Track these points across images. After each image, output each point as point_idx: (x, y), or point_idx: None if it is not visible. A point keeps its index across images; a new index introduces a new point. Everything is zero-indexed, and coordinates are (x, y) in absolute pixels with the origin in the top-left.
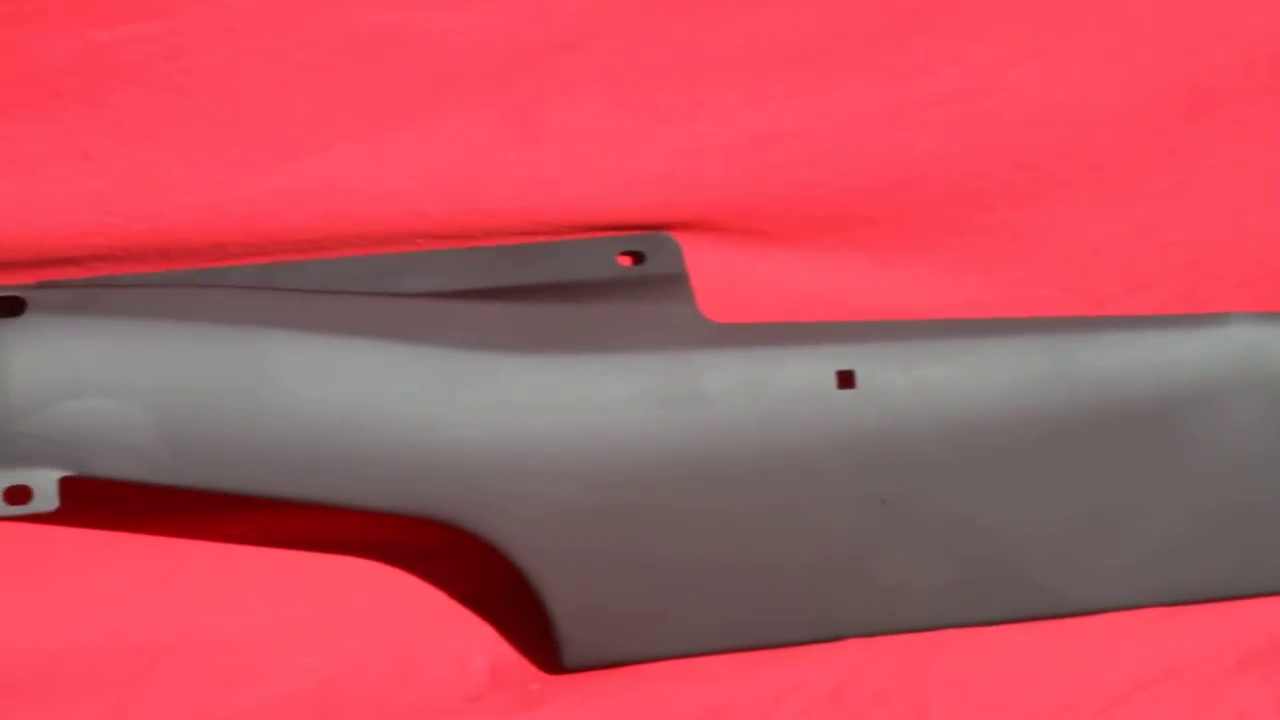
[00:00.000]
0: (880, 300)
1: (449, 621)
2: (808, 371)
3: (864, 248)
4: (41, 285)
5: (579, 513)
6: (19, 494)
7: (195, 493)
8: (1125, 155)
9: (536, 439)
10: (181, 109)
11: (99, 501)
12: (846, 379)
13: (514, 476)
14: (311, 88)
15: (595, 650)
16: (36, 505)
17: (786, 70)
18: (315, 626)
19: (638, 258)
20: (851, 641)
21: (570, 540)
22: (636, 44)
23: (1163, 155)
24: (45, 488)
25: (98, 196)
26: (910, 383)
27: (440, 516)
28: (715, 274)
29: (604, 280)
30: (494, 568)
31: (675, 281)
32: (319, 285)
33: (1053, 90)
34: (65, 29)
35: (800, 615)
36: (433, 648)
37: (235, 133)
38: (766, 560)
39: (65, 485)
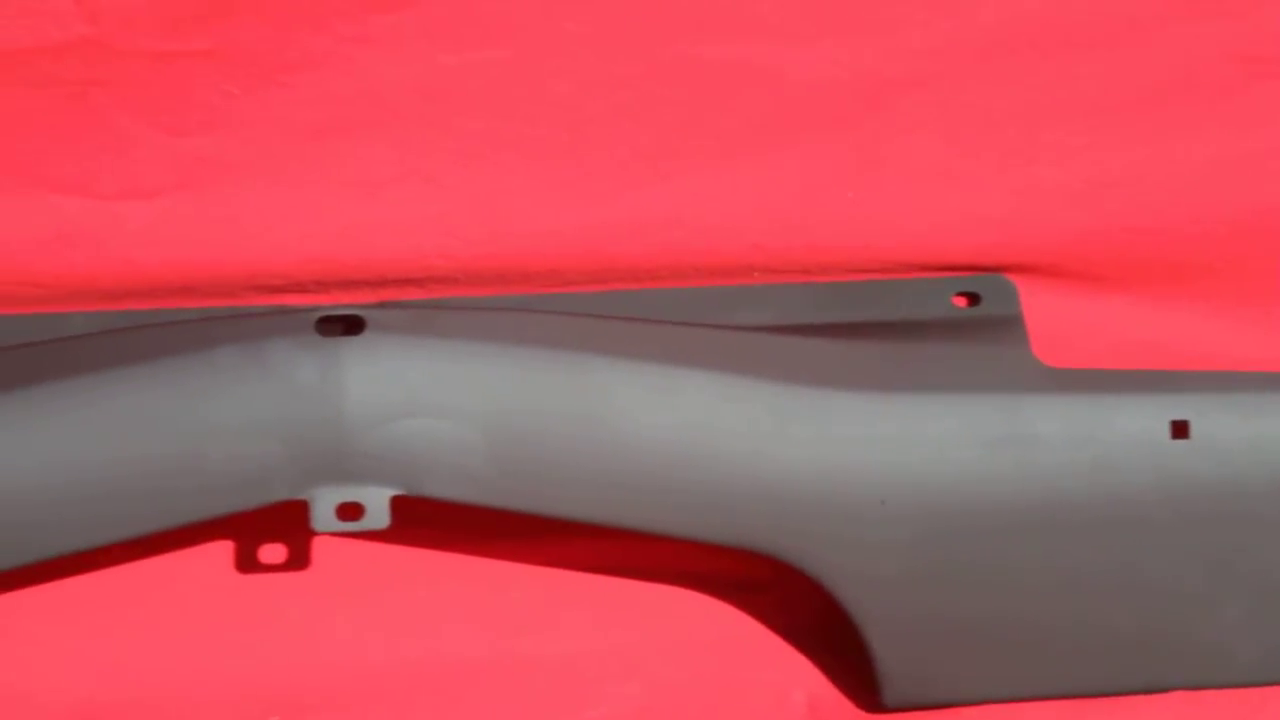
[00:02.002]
0: (1216, 350)
1: (769, 655)
2: (1141, 420)
3: (1201, 296)
4: (381, 305)
5: (903, 551)
6: (351, 511)
7: (522, 516)
8: None
9: (864, 476)
10: (525, 135)
11: (427, 521)
12: (1181, 429)
13: (840, 513)
14: (656, 118)
15: (915, 690)
16: (368, 523)
17: (1128, 116)
18: (637, 654)
19: (973, 299)
20: (1176, 694)
21: (893, 578)
22: (979, 85)
23: None
24: (377, 505)
25: (440, 219)
26: (1247, 435)
27: (765, 550)
28: (1049, 317)
29: (938, 320)
30: (816, 603)
31: (1010, 324)
32: (654, 314)
33: None
34: (414, 53)
35: (1124, 665)
36: (752, 681)
37: (578, 161)
38: (1092, 607)
39: (396, 503)
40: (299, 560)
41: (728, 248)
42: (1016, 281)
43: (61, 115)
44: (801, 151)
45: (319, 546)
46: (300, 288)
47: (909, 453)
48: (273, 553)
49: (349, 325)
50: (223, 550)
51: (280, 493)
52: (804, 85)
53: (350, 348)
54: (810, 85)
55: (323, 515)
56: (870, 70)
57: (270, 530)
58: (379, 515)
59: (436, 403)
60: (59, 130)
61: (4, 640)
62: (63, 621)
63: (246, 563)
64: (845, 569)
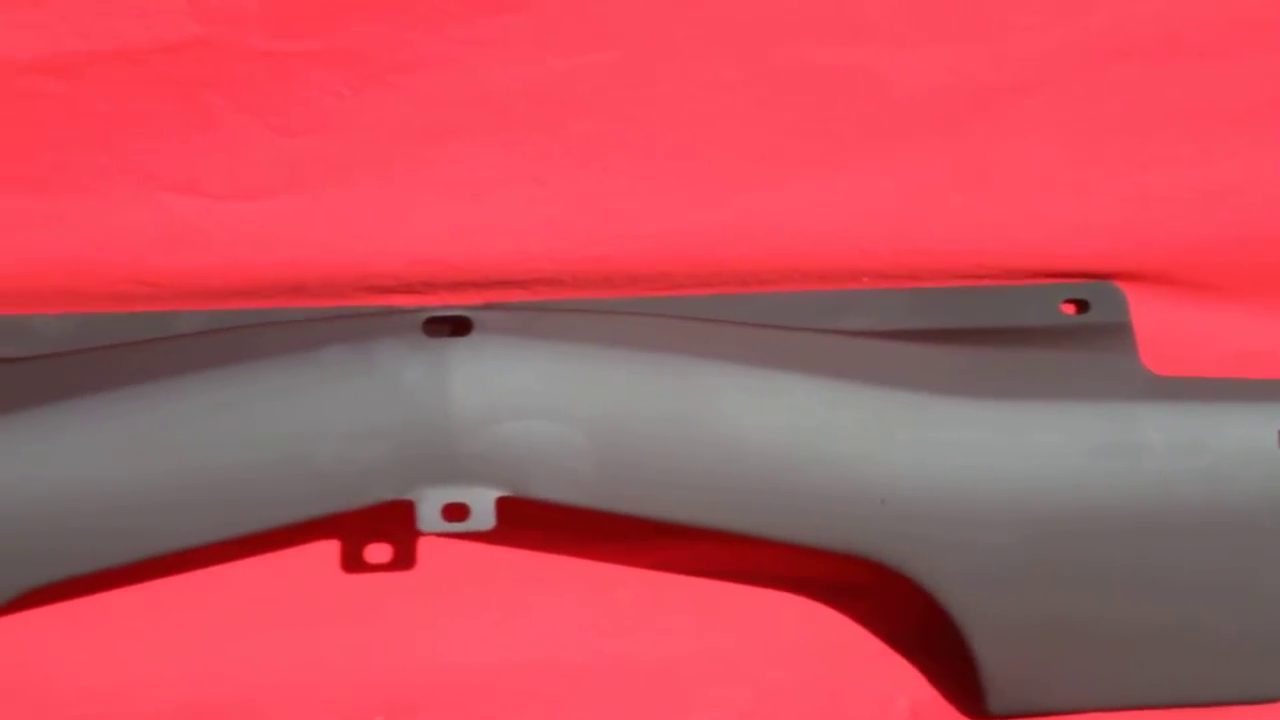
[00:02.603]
0: None
1: (872, 660)
2: (1250, 429)
3: None
4: (488, 306)
5: (1009, 558)
6: (457, 511)
7: (626, 518)
8: None
9: (970, 483)
10: (634, 139)
11: (531, 522)
12: None
13: (946, 519)
14: (764, 122)
15: (1019, 697)
16: (473, 523)
17: (1240, 124)
18: (740, 658)
19: (1081, 306)
20: None
21: (998, 585)
22: (1089, 92)
23: None
24: (483, 506)
25: (549, 222)
26: None
27: (870, 555)
28: (1158, 325)
29: (1046, 327)
30: (920, 608)
31: (1118, 331)
32: (760, 318)
33: None
34: (526, 56)
35: (1231, 674)
36: (856, 686)
37: (686, 164)
38: (1199, 616)
39: (500, 505)
40: (404, 560)
41: (835, 252)
42: (1125, 289)
43: (173, 114)
44: (909, 156)
45: (424, 547)
46: (408, 288)
47: (1016, 459)
48: (378, 552)
49: (456, 326)
50: (329, 550)
51: (386, 493)
52: (912, 90)
53: (457, 349)
54: (919, 90)
55: (428, 516)
56: (979, 76)
57: (376, 530)
58: (484, 516)
59: (542, 404)
60: (170, 129)
61: (107, 639)
62: (167, 620)
63: (352, 562)
64: (950, 575)
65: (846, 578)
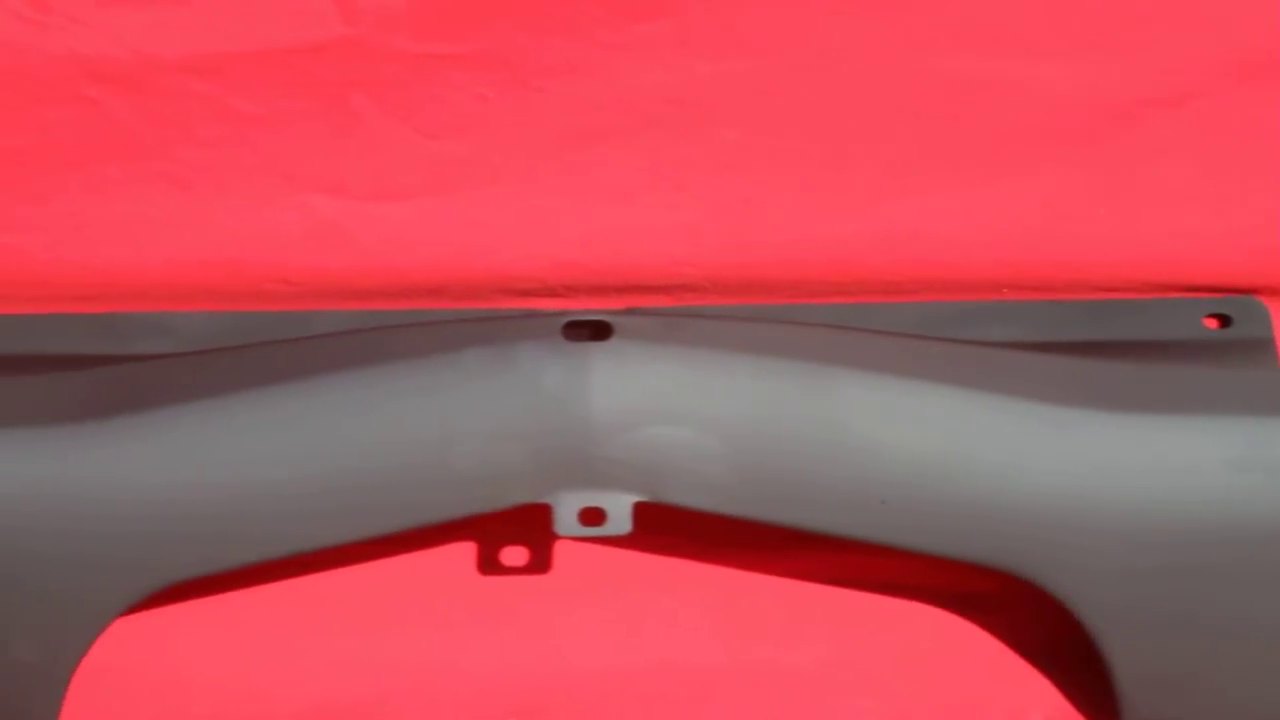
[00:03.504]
0: None
1: (1007, 673)
2: None
3: None
4: (628, 311)
5: (1148, 574)
6: (594, 516)
7: (761, 525)
8: None
9: (1109, 496)
10: (777, 146)
11: (666, 527)
12: None
13: (1086, 533)
14: (907, 131)
15: (1154, 712)
16: (610, 528)
17: None
18: (873, 669)
19: (1224, 320)
20: None
21: (1136, 601)
22: (1233, 105)
23: None
24: (620, 511)
25: (689, 227)
26: None
27: (1008, 567)
28: None
29: (1188, 341)
30: (1056, 621)
31: (1261, 346)
32: (899, 327)
33: None
34: (671, 61)
35: None
36: (989, 699)
37: (827, 173)
38: None
39: (637, 510)
40: (540, 564)
41: (974, 263)
42: (1269, 305)
43: (318, 115)
44: (1052, 167)
45: (560, 550)
46: (549, 292)
47: (1155, 474)
48: (514, 555)
49: (596, 331)
50: (465, 551)
51: (524, 495)
52: (1056, 101)
53: (597, 353)
54: (1063, 101)
55: (565, 519)
56: (1120, 88)
57: (512, 533)
58: (621, 521)
59: (681, 410)
60: (315, 130)
61: (242, 638)
62: (302, 620)
63: (488, 565)
64: (1087, 590)
65: (983, 589)
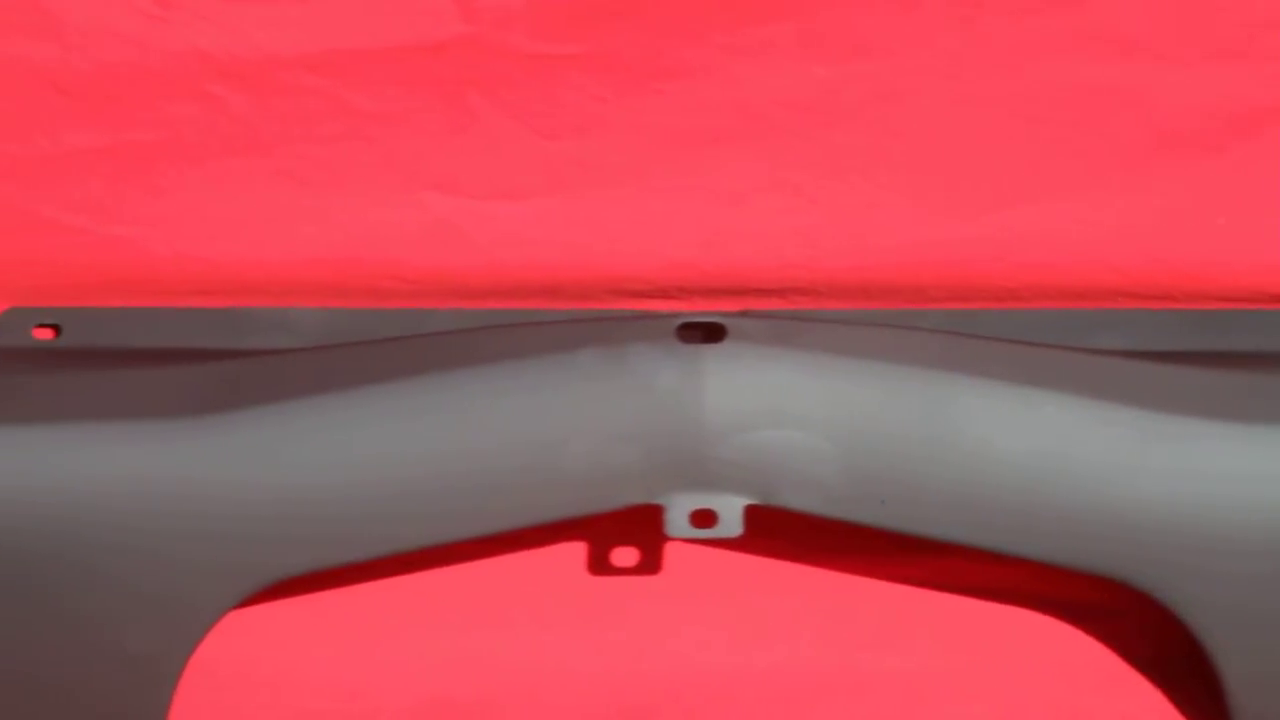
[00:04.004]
0: None
1: (1116, 683)
2: None
3: None
4: (742, 314)
5: (1261, 584)
6: (705, 518)
7: (870, 530)
8: None
9: (1224, 507)
10: (895, 151)
11: (776, 530)
12: None
13: (1198, 543)
14: (1025, 137)
15: None
16: (721, 530)
17: None
18: (980, 676)
19: None
20: None
21: (1249, 611)
22: None
23: None
24: (731, 513)
25: (805, 231)
26: None
27: (1118, 576)
28: None
29: None
30: (1167, 632)
31: None
32: (1014, 334)
33: None
34: (789, 65)
35: None
36: (1098, 709)
37: (946, 178)
38: None
39: (749, 512)
40: (650, 564)
41: (1091, 270)
42: None
43: (436, 113)
44: (1170, 176)
45: (670, 552)
46: (663, 293)
47: (1267, 486)
48: (624, 555)
49: (709, 333)
50: (575, 551)
51: (635, 496)
52: (1176, 110)
53: (711, 355)
54: (1183, 110)
55: (676, 521)
56: (1245, 97)
57: (622, 533)
58: (732, 523)
59: (794, 414)
60: (433, 128)
61: (350, 633)
62: (411, 616)
63: (598, 564)
64: (1201, 600)
65: (1093, 599)
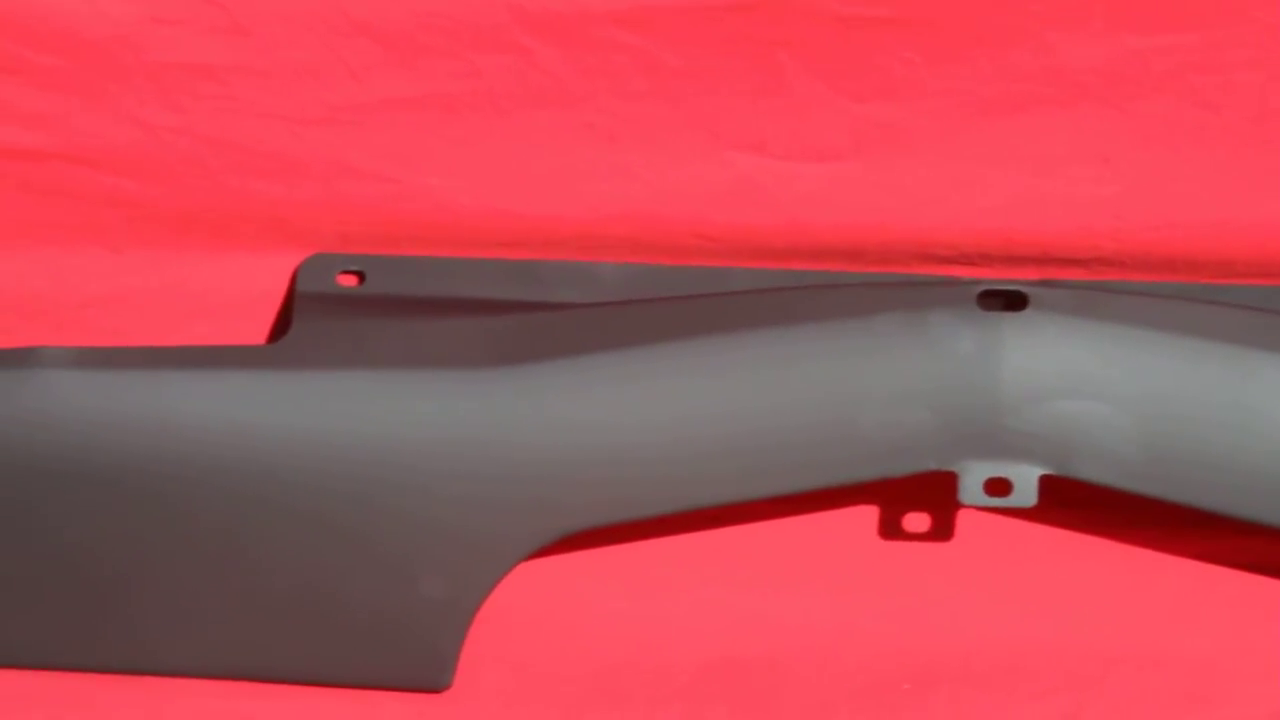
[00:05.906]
0: None
1: None
2: None
3: None
4: (1044, 283)
5: None
6: (1000, 486)
7: (1167, 505)
8: None
9: None
10: (1207, 123)
11: (1069, 501)
12: None
13: None
14: None
15: None
16: (1015, 499)
17: None
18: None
19: None
20: None
21: None
22: None
23: None
24: (1026, 483)
25: (1113, 201)
26: None
27: None
28: None
29: None
30: None
31: None
32: None
33: None
34: (1102, 32)
35: None
36: None
37: (1256, 151)
38: None
39: (1043, 482)
40: (942, 531)
41: None
42: None
43: (743, 73)
44: None
45: (961, 519)
46: (965, 260)
47: None
48: (917, 521)
49: (1010, 301)
50: (868, 515)
51: (929, 463)
52: None
53: (1011, 324)
54: None
55: (970, 488)
56: None
57: (915, 499)
58: (1027, 493)
59: (1093, 386)
60: (740, 87)
61: (641, 588)
62: (701, 574)
63: (890, 529)
64: None
65: None
